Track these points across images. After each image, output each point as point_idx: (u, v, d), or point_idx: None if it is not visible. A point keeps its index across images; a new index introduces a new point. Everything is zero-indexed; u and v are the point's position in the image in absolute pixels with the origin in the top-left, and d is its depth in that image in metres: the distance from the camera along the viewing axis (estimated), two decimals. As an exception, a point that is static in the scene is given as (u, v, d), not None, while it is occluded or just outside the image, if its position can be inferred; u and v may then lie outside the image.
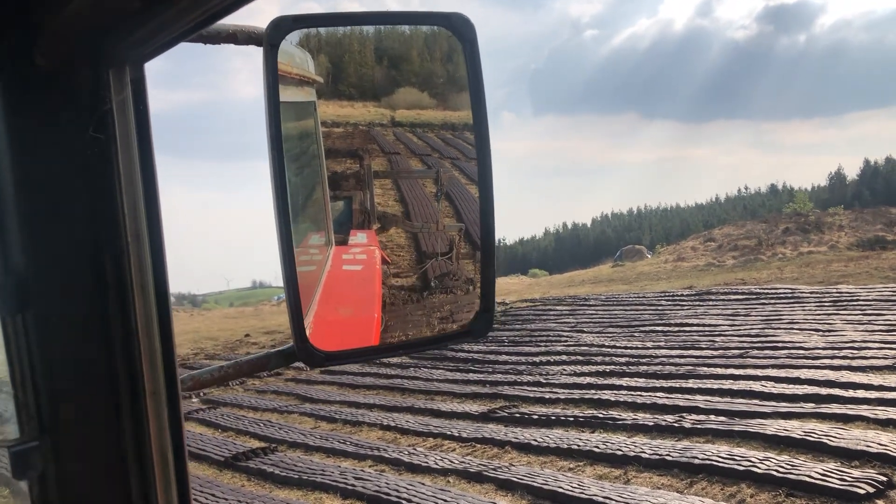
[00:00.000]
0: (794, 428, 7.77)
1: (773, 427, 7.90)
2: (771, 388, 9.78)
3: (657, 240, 62.12)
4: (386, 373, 14.82)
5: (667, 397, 9.95)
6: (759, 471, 6.73)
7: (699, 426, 8.38)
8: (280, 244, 1.06)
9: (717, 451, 7.38)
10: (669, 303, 20.99)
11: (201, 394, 14.53)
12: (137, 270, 0.92)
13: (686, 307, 19.86)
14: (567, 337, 16.82)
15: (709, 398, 9.65)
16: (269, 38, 1.05)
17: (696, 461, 7.20)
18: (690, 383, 10.70)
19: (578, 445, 8.28)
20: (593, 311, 20.86)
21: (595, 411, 9.73)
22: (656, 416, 9.02)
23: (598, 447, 8.12)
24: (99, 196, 0.90)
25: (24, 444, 0.88)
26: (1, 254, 0.88)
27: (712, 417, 8.66)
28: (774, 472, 6.63)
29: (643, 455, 7.63)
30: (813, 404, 8.73)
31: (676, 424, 8.55)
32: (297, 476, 8.40)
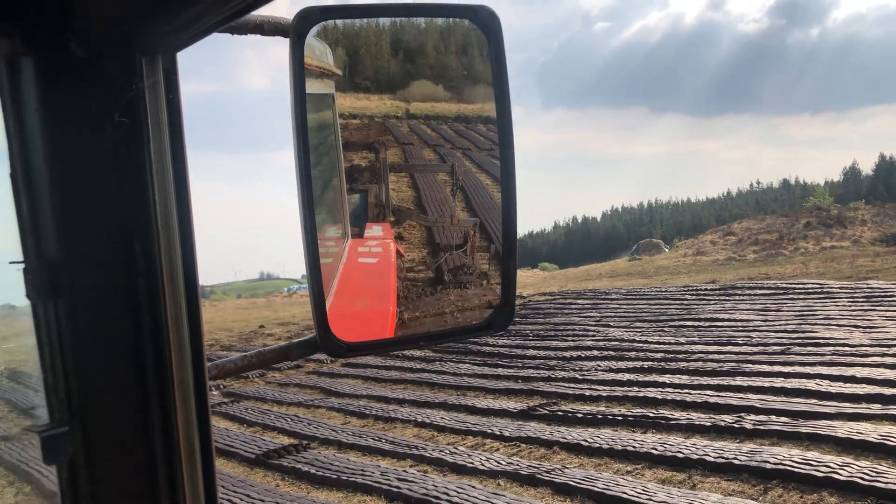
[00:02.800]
0: (868, 431, 7.30)
1: (843, 429, 7.42)
2: (827, 387, 9.32)
3: (669, 234, 61.56)
4: (411, 367, 14.40)
5: (718, 396, 9.48)
6: (840, 477, 6.26)
7: (761, 427, 7.90)
8: (304, 234, 1.06)
9: (788, 455, 6.91)
10: (694, 297, 20.55)
11: (221, 386, 14.12)
12: (167, 258, 0.92)
13: (712, 302, 19.40)
14: (594, 331, 16.39)
15: (763, 397, 9.18)
16: (296, 29, 1.04)
17: (768, 465, 6.73)
18: (739, 381, 10.23)
19: (634, 447, 7.81)
20: (617, 306, 20.41)
21: (644, 410, 9.27)
22: (712, 416, 8.54)
23: (655, 448, 7.65)
24: (130, 184, 0.90)
25: (54, 429, 0.89)
26: (33, 239, 0.87)
27: (773, 418, 8.18)
28: (859, 480, 6.16)
29: (707, 458, 7.16)
30: (879, 405, 8.25)
31: (736, 425, 8.08)
32: (334, 476, 7.95)
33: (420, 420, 10.10)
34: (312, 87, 1.16)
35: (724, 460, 7.05)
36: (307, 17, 1.06)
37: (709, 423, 8.29)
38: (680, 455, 7.37)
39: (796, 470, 6.55)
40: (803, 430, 7.59)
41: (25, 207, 0.88)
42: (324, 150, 1.34)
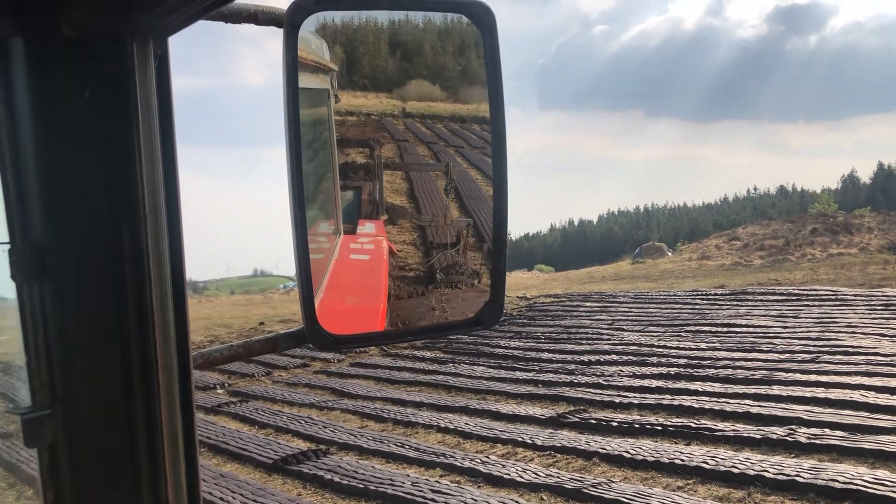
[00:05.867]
0: (938, 448, 6.85)
1: (910, 446, 6.96)
2: (874, 398, 8.86)
3: (666, 238, 61.28)
4: (423, 368, 13.90)
5: (759, 406, 9.01)
6: (921, 500, 5.80)
7: (817, 441, 7.44)
8: (293, 226, 1.05)
9: (857, 473, 6.45)
10: (705, 302, 20.12)
11: (227, 385, 13.58)
12: (154, 243, 0.92)
13: (725, 307, 18.97)
14: (608, 335, 15.93)
15: (808, 408, 8.71)
16: (290, 20, 1.03)
17: (837, 485, 6.26)
18: (777, 390, 9.76)
19: (682, 460, 7.33)
20: (627, 309, 19.96)
21: (683, 419, 8.79)
22: (760, 428, 8.07)
23: (706, 463, 7.17)
24: (119, 168, 0.89)
25: (36, 412, 0.88)
26: (20, 221, 0.87)
27: (827, 431, 7.71)
28: (943, 503, 5.70)
29: (766, 475, 6.68)
30: (940, 420, 7.80)
31: (790, 438, 7.60)
32: (361, 485, 7.42)
33: (443, 426, 9.59)
34: (308, 81, 1.14)
35: (785, 477, 6.57)
36: (301, 8, 1.04)
37: (758, 436, 7.81)
38: (735, 470, 6.89)
39: (870, 490, 6.08)
40: (865, 445, 7.13)
41: (13, 189, 0.87)
42: (318, 146, 1.32)
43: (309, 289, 1.08)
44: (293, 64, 1.03)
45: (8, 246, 0.88)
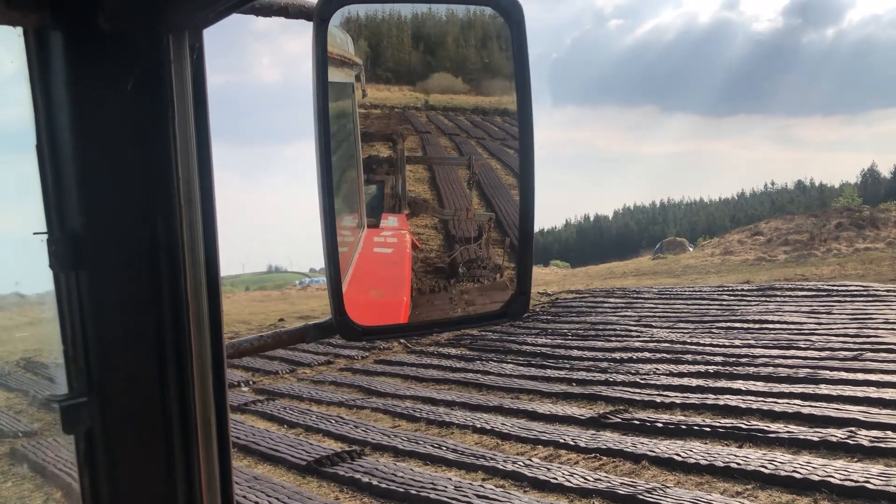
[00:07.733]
0: None
1: (983, 450, 6.59)
2: (931, 399, 8.48)
3: (683, 233, 60.69)
4: (450, 365, 13.58)
5: (810, 406, 8.64)
6: None
7: (881, 444, 7.07)
8: (322, 219, 1.05)
9: (932, 480, 6.09)
10: (732, 297, 19.72)
11: (251, 382, 13.32)
12: (189, 234, 0.92)
13: (754, 303, 18.55)
14: (637, 332, 15.57)
15: (865, 409, 8.33)
16: (320, 13, 1.05)
17: (912, 492, 5.91)
18: (825, 389, 9.39)
19: (738, 464, 6.98)
20: (652, 305, 19.58)
21: (732, 420, 8.43)
22: (817, 430, 7.70)
23: (764, 467, 6.82)
24: (154, 159, 0.90)
25: (73, 399, 0.89)
26: (57, 210, 0.88)
27: (890, 434, 7.34)
28: None
29: (832, 480, 6.33)
30: None
31: (851, 441, 7.24)
32: (401, 489, 7.12)
33: (479, 426, 9.27)
34: (332, 75, 1.12)
35: (853, 483, 6.21)
36: (331, 1, 1.04)
37: (816, 438, 7.45)
38: (796, 475, 6.54)
39: (949, 498, 5.72)
40: (934, 449, 6.77)
41: (50, 179, 0.88)
42: (342, 138, 1.29)
43: (337, 280, 1.08)
44: (322, 57, 1.01)
45: (46, 235, 0.88)
